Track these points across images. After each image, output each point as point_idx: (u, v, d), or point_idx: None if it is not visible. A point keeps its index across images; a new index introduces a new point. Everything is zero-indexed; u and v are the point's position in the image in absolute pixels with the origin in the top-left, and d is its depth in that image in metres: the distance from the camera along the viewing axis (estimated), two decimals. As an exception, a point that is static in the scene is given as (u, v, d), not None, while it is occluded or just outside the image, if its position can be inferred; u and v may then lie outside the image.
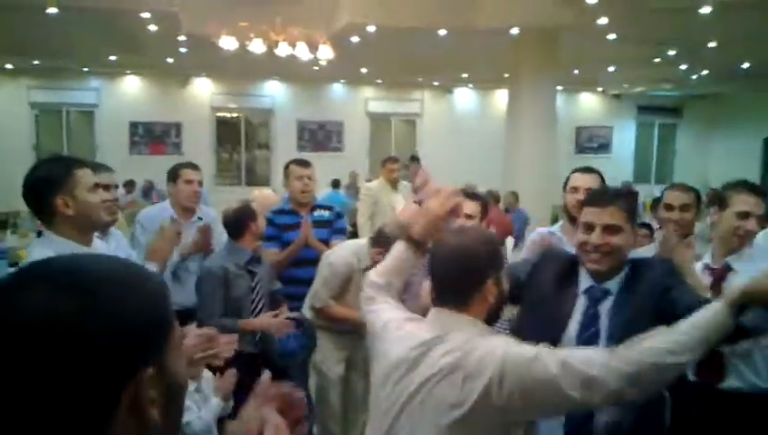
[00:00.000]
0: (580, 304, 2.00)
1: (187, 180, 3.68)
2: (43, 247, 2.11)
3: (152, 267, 3.04)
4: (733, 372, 2.47)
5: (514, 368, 1.46)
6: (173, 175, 3.73)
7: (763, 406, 2.45)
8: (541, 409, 1.57)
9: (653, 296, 1.90)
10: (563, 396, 1.44)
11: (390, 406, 1.64)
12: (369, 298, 1.90)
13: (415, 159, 11.85)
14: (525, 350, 1.51)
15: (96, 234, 2.40)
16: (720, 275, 2.53)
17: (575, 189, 2.94)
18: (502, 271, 1.71)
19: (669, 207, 2.93)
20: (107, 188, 2.82)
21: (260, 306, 3.33)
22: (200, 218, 3.72)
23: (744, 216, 2.55)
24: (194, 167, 3.80)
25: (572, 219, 2.87)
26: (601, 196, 2.09)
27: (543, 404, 1.51)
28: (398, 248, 1.93)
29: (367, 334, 1.97)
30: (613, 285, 1.99)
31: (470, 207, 2.96)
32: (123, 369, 0.68)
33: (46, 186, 2.14)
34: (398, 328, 1.72)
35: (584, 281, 2.03)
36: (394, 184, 5.98)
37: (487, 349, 1.52)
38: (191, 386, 2.87)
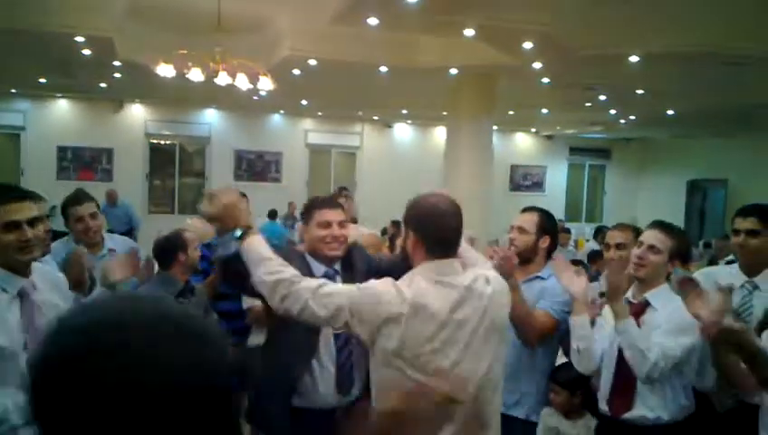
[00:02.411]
0: None
1: (78, 218, 3.26)
2: None
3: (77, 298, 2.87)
4: (641, 403, 2.53)
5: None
6: (64, 214, 3.31)
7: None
8: None
9: (369, 270, 2.58)
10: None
11: (455, 345, 1.97)
12: (319, 284, 2.07)
13: (343, 189, 11.68)
14: None
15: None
16: (638, 310, 2.60)
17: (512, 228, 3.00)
18: None
19: (607, 247, 3.05)
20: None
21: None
22: (111, 250, 3.35)
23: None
24: (79, 201, 3.30)
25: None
26: (331, 201, 2.72)
27: None
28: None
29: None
30: (337, 266, 2.63)
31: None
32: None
33: None
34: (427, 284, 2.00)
35: (317, 269, 2.58)
36: None
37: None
38: None
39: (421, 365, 1.95)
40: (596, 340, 2.64)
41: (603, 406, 2.66)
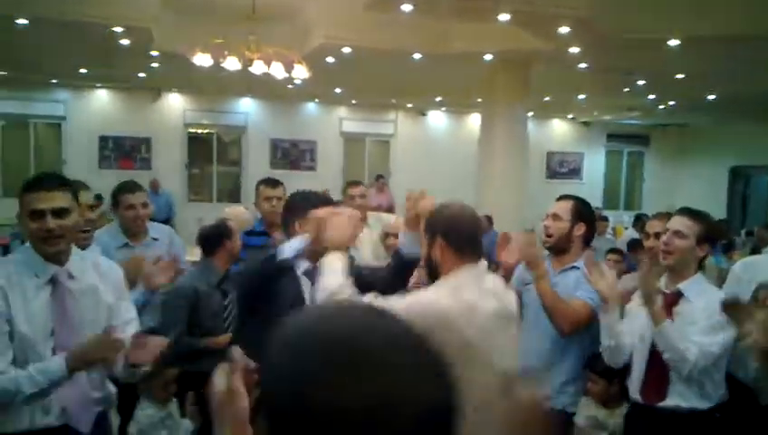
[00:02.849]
0: (305, 283, 2.49)
1: (129, 206, 3.37)
2: (17, 254, 2.18)
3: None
4: (675, 393, 2.50)
5: None
6: (114, 201, 3.42)
7: (697, 424, 2.51)
8: None
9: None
10: None
11: (509, 342, 2.07)
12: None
13: (380, 177, 12.18)
14: None
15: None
16: (671, 301, 2.56)
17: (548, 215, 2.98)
18: None
19: (647, 235, 3.03)
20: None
21: (232, 326, 3.27)
22: (155, 239, 3.48)
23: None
24: (132, 189, 3.43)
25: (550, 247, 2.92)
26: (330, 201, 2.64)
27: None
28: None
29: None
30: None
31: None
32: None
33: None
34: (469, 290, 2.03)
35: (302, 265, 2.50)
36: None
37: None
38: (161, 412, 2.79)
39: (482, 368, 1.98)
40: (625, 333, 2.61)
41: (635, 395, 2.64)
